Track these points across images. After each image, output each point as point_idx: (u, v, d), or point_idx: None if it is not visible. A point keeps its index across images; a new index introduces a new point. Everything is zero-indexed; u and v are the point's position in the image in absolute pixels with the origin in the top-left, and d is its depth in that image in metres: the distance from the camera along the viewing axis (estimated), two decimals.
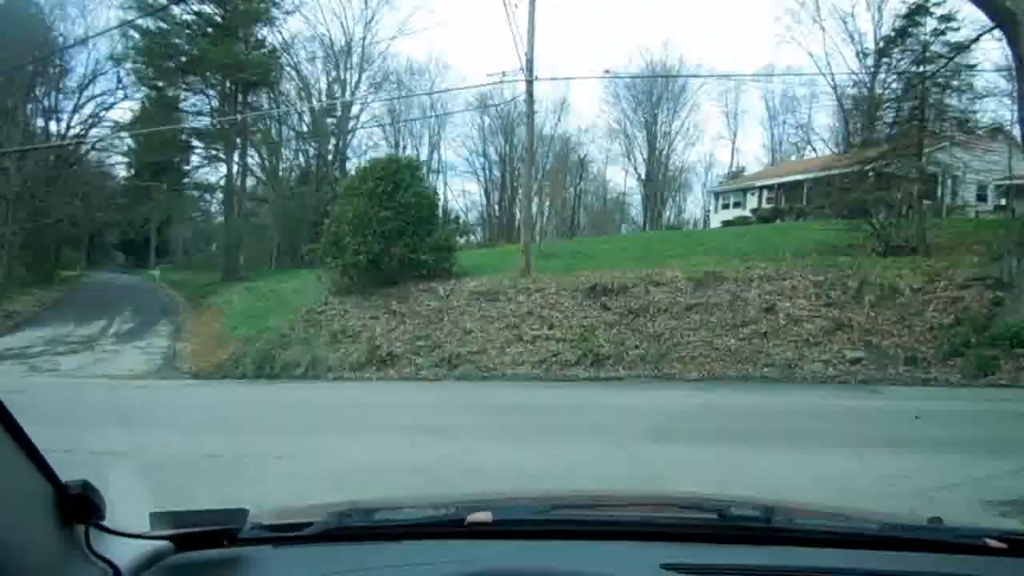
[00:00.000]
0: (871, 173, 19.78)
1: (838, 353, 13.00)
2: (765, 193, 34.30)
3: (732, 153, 52.37)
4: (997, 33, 14.77)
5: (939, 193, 23.00)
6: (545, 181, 41.24)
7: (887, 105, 19.42)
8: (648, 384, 12.53)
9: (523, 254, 18.68)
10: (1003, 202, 27.45)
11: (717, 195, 40.24)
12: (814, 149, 40.60)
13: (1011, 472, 5.26)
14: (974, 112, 20.29)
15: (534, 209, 27.41)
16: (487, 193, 48.64)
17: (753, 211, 33.41)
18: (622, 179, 58.21)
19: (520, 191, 36.20)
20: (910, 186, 18.36)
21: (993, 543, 1.10)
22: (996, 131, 26.42)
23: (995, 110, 27.39)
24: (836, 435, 7.64)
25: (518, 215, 38.34)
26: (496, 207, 48.39)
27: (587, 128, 55.89)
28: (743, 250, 18.32)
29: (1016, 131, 27.13)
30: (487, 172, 48.28)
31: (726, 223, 32.68)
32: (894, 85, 19.37)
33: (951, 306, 13.44)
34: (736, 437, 7.50)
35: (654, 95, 47.75)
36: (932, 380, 11.94)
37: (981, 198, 27.45)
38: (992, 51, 33.61)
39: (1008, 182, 25.45)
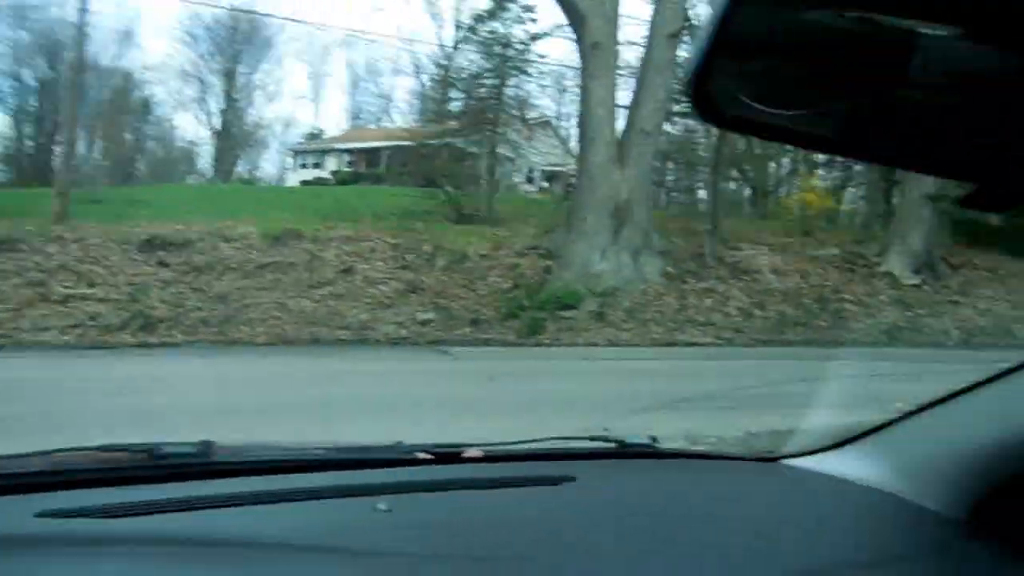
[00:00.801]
0: (447, 146, 20.73)
1: (411, 315, 13.08)
2: (346, 156, 34.21)
3: (313, 114, 51.50)
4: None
5: (501, 171, 25.17)
6: (98, 118, 35.38)
7: (474, 80, 20.47)
8: (209, 350, 11.04)
9: (59, 197, 15.37)
10: (546, 184, 31.53)
11: (296, 154, 39.00)
12: (392, 120, 41.87)
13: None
14: (535, 102, 22.70)
15: (81, 148, 23.19)
16: (18, 125, 39.97)
17: (333, 173, 33.04)
18: (193, 127, 53.29)
19: (62, 125, 30.29)
20: (480, 161, 19.61)
21: (423, 455, 1.19)
22: (546, 123, 30.16)
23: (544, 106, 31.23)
24: (424, 401, 7.30)
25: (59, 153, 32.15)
26: (31, 143, 40.07)
27: (156, 67, 49.69)
28: (322, 210, 17.58)
29: (564, 124, 31.39)
30: (21, 100, 39.62)
31: (304, 183, 31.73)
32: (475, 64, 20.45)
33: (510, 272, 14.51)
34: (315, 408, 6.68)
35: (236, 42, 44.25)
36: (492, 340, 12.65)
37: (529, 180, 31.08)
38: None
39: (553, 168, 29.18)
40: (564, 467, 1.19)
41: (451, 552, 0.87)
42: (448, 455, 1.22)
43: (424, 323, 12.88)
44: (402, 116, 41.53)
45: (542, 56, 20.60)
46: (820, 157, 26.20)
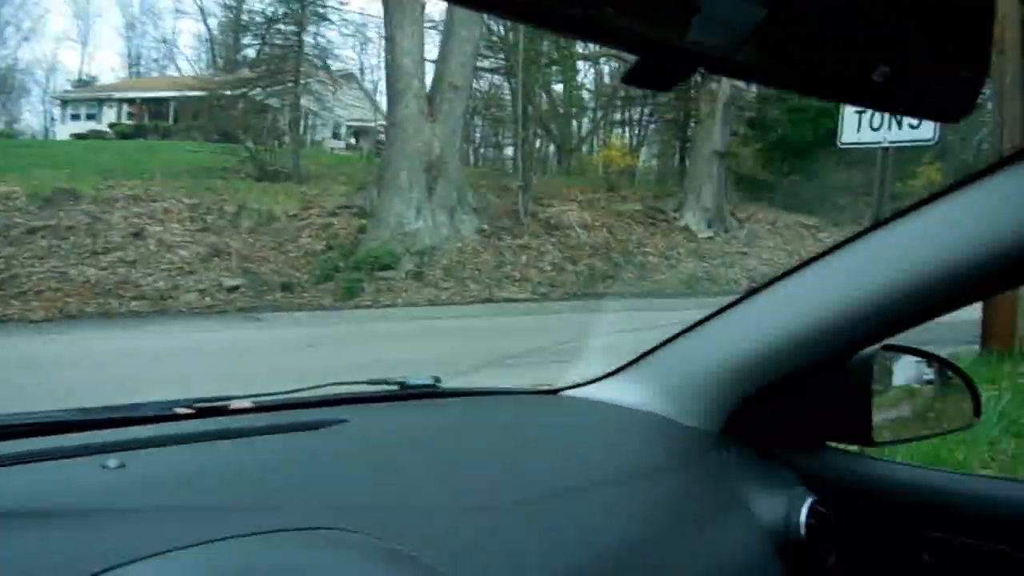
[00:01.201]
0: (244, 97, 19.31)
1: (215, 281, 12.15)
2: (126, 107, 30.86)
3: (82, 58, 45.87)
4: None
5: (305, 125, 23.97)
6: None
7: (269, 26, 19.06)
8: None
9: None
10: (354, 140, 30.53)
11: (65, 103, 34.60)
12: (178, 67, 38.33)
13: None
14: (338, 53, 21.68)
15: None
16: None
17: (112, 126, 29.68)
18: None
19: None
20: (282, 114, 18.48)
21: (182, 411, 1.10)
22: (350, 76, 29.05)
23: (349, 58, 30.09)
24: (232, 374, 6.74)
25: None
26: None
27: None
28: (102, 167, 15.77)
29: (370, 78, 30.40)
30: None
31: (78, 136, 28.29)
32: (270, 8, 19.08)
33: (323, 232, 13.88)
34: (94, 390, 5.93)
35: None
36: (307, 305, 12.09)
37: (336, 136, 29.88)
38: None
39: (361, 123, 28.26)
40: (338, 412, 1.13)
41: (192, 504, 0.80)
42: (212, 408, 1.12)
43: (231, 289, 12.00)
44: (189, 64, 38.27)
45: (343, 2, 19.67)
46: (619, 116, 27.63)
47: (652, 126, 26.98)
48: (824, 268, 1.07)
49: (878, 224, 1.02)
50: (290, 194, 14.92)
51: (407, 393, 1.30)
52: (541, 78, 22.81)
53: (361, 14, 22.50)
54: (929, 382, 1.23)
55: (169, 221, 12.99)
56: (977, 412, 1.20)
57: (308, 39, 19.59)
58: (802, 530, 1.04)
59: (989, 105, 6.73)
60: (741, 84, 16.77)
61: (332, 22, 19.72)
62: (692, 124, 19.05)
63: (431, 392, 1.32)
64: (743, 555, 1.02)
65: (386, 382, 1.30)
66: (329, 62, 22.76)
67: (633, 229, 15.78)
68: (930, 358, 1.21)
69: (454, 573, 0.73)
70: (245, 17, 21.90)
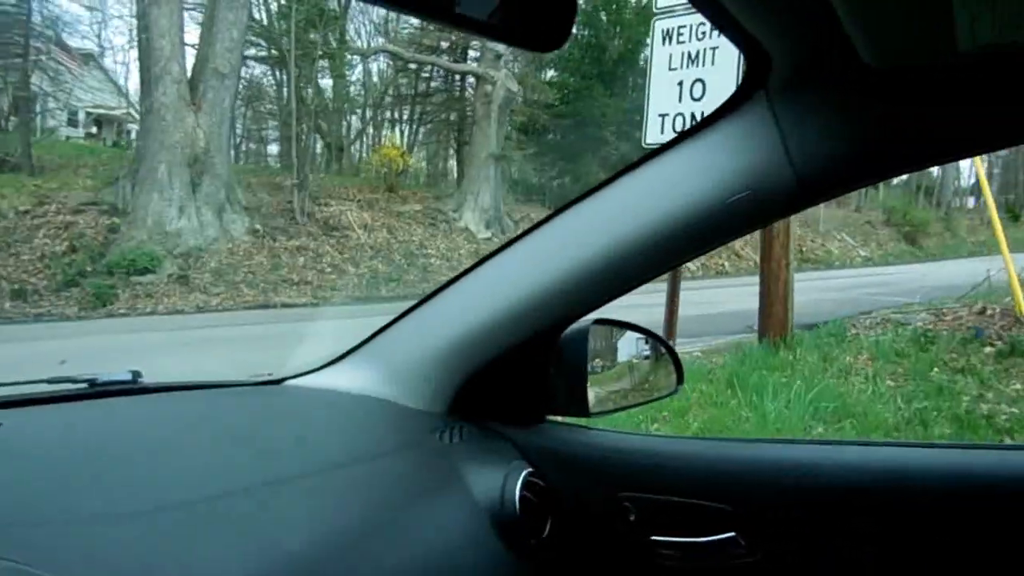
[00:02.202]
0: None
1: None
2: None
3: None
4: None
5: (34, 109, 20.96)
6: None
7: None
8: None
9: None
10: (96, 129, 27.31)
11: None
12: None
13: None
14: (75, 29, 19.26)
15: None
16: None
17: None
18: None
19: None
20: (6, 94, 16.01)
21: None
22: (90, 56, 25.93)
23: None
24: None
25: None
26: None
27: None
28: None
29: (113, 61, 27.28)
30: None
31: None
32: None
33: (64, 232, 12.18)
34: None
35: None
36: (47, 315, 10.55)
37: (72, 123, 26.51)
38: None
39: (103, 110, 25.37)
40: None
41: None
42: None
43: None
44: None
45: None
46: (390, 115, 27.31)
47: (425, 127, 27.03)
48: (530, 245, 1.10)
49: (577, 199, 1.04)
50: (20, 187, 12.91)
51: (95, 392, 1.16)
52: (312, 71, 21.95)
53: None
54: (647, 356, 1.31)
55: None
56: (680, 380, 1.28)
57: (37, 7, 17.20)
58: (516, 503, 1.05)
59: None
60: (513, 87, 17.33)
61: None
62: (467, 127, 19.36)
63: (128, 389, 1.19)
64: (460, 534, 1.02)
65: (71, 380, 1.17)
66: (65, 37, 20.14)
67: (414, 230, 15.66)
68: (644, 333, 1.27)
69: None
70: None
